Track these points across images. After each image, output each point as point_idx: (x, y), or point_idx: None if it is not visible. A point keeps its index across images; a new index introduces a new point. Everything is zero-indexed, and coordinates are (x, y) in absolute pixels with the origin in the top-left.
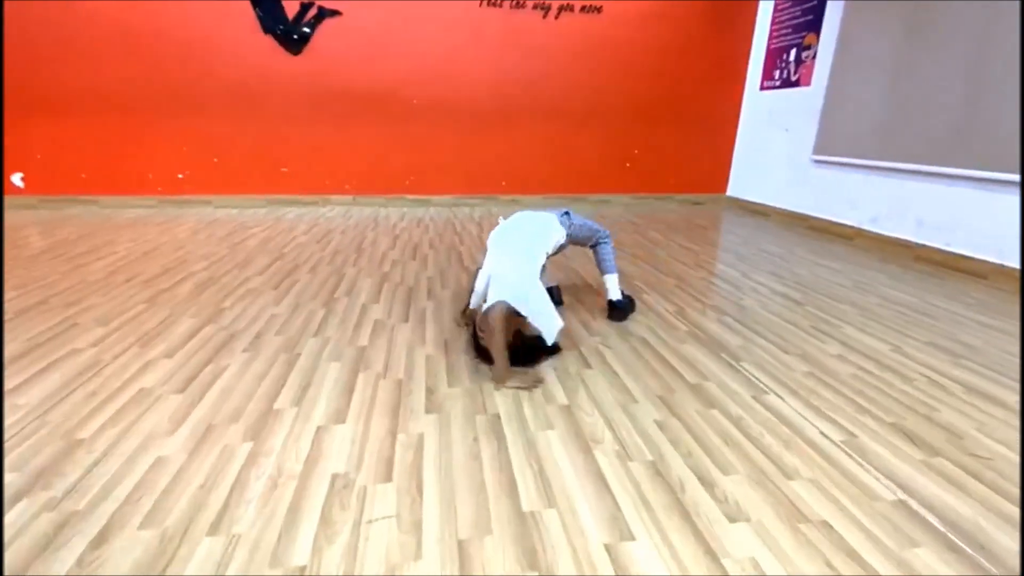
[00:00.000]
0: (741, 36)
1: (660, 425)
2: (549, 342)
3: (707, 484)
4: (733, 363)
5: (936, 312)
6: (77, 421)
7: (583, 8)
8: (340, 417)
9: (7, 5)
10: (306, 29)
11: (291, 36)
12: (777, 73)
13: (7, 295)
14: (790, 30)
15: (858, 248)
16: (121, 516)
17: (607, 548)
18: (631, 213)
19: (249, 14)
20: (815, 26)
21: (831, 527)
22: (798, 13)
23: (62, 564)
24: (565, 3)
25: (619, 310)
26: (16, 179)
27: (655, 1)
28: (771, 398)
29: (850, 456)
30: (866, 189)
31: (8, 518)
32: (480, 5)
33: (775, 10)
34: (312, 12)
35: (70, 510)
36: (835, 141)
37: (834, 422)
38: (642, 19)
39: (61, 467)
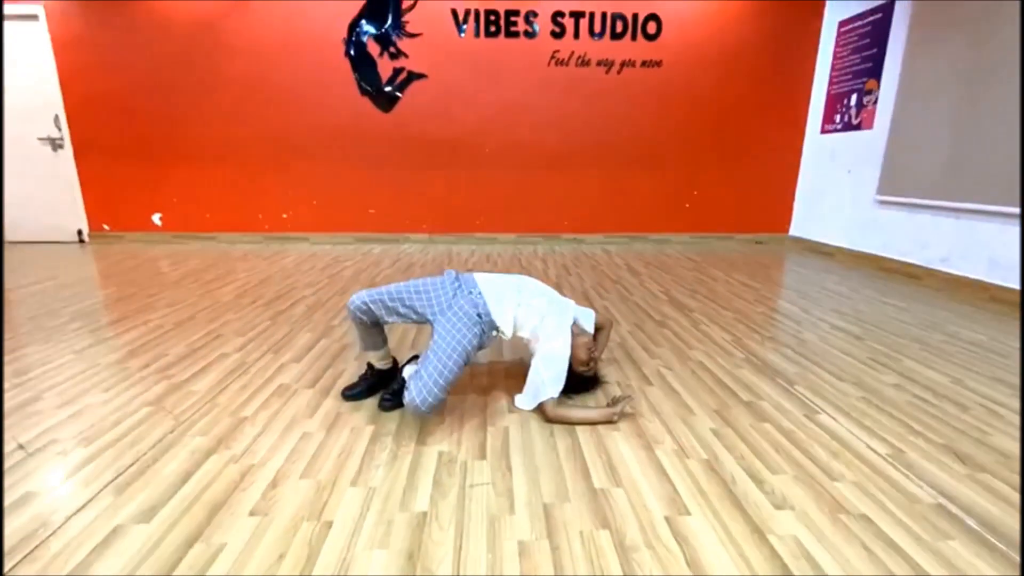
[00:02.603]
0: (801, 84)
1: (715, 433)
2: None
3: (756, 480)
4: (788, 387)
5: (1008, 351)
6: (239, 404)
7: (644, 63)
8: (440, 410)
9: (156, 65)
10: (397, 93)
11: (383, 96)
12: (838, 117)
13: (164, 311)
14: (851, 76)
15: (928, 287)
16: (286, 469)
17: (667, 519)
18: (690, 251)
19: (350, 77)
20: (875, 73)
21: (870, 520)
22: (858, 61)
23: (249, 499)
24: (627, 59)
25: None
26: (156, 219)
27: (715, 53)
28: (823, 417)
29: (895, 467)
30: (934, 229)
31: (203, 468)
32: (548, 64)
33: (834, 58)
34: (402, 76)
35: (248, 463)
36: (899, 182)
37: (883, 439)
38: (702, 69)
39: (235, 435)
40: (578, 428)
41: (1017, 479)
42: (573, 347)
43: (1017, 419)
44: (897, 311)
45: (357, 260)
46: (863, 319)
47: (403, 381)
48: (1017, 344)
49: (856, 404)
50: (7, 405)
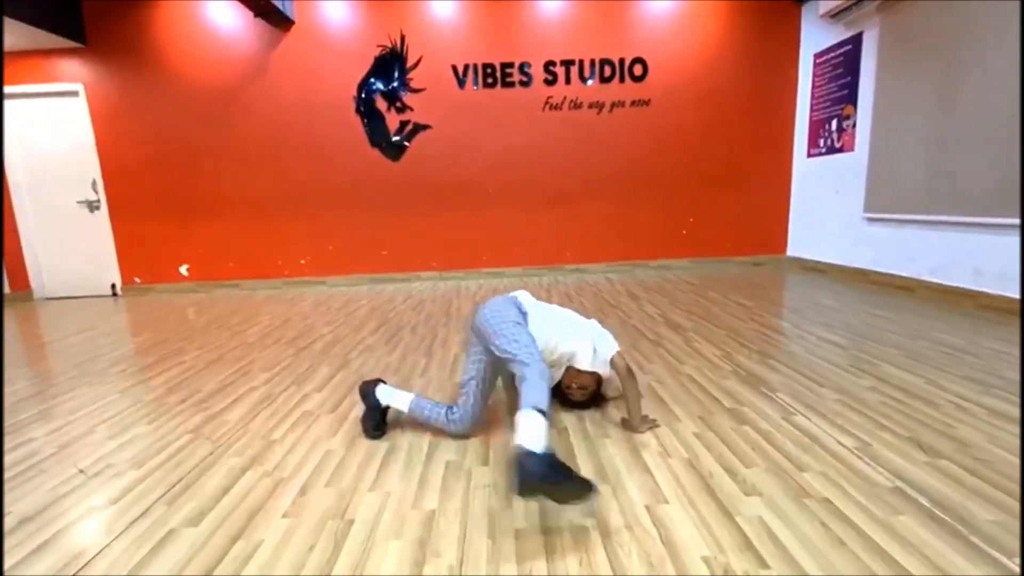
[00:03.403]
0: (784, 112)
1: (698, 436)
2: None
3: (731, 473)
4: (770, 394)
5: (983, 352)
6: (269, 428)
7: (633, 102)
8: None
9: (182, 131)
10: (405, 143)
11: (392, 147)
12: (822, 141)
13: (195, 352)
14: (829, 103)
15: (919, 299)
16: (312, 480)
17: (647, 508)
18: (689, 275)
19: (361, 131)
20: (851, 99)
21: (830, 502)
22: (834, 88)
23: (282, 505)
24: (617, 100)
25: (524, 469)
26: (183, 270)
27: (700, 88)
28: (799, 419)
29: (860, 458)
30: (920, 242)
31: (240, 482)
32: (543, 109)
33: (813, 87)
34: (409, 128)
35: (279, 477)
36: (883, 199)
37: (852, 435)
38: (688, 105)
39: (267, 454)
40: (572, 435)
41: (974, 464)
42: (566, 371)
43: (982, 412)
44: (884, 322)
45: (371, 299)
46: (850, 331)
47: (385, 409)
48: (994, 346)
49: (831, 406)
50: (65, 438)
